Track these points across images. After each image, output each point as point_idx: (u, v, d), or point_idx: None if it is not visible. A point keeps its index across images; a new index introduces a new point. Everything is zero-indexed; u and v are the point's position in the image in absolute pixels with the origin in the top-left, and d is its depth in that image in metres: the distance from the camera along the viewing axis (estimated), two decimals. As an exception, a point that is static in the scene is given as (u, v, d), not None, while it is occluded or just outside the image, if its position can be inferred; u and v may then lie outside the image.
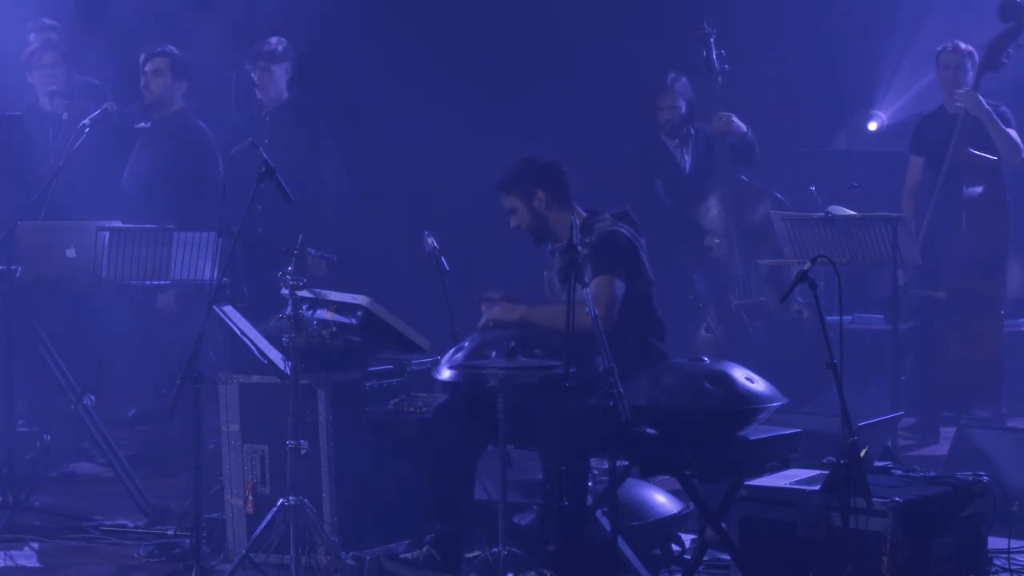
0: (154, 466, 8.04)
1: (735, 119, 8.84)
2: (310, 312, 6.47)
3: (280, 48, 8.75)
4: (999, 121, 8.54)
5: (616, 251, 6.28)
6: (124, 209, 8.13)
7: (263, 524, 6.09)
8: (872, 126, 10.59)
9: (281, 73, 8.77)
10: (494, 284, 6.57)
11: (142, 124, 8.61)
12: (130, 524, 7.22)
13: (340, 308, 6.53)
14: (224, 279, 6.64)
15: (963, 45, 8.65)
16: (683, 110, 8.97)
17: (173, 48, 8.62)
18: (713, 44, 8.91)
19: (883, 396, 7.95)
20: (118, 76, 9.07)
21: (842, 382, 5.61)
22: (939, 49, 8.76)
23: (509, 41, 9.80)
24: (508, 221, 6.52)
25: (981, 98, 8.53)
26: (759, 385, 5.95)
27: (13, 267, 7.49)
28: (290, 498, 6.02)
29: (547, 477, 6.13)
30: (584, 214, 6.42)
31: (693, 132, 9.01)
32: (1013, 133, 8.58)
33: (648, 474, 6.39)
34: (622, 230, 6.34)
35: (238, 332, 6.34)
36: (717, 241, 8.86)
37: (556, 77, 9.77)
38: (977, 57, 8.63)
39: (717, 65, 8.91)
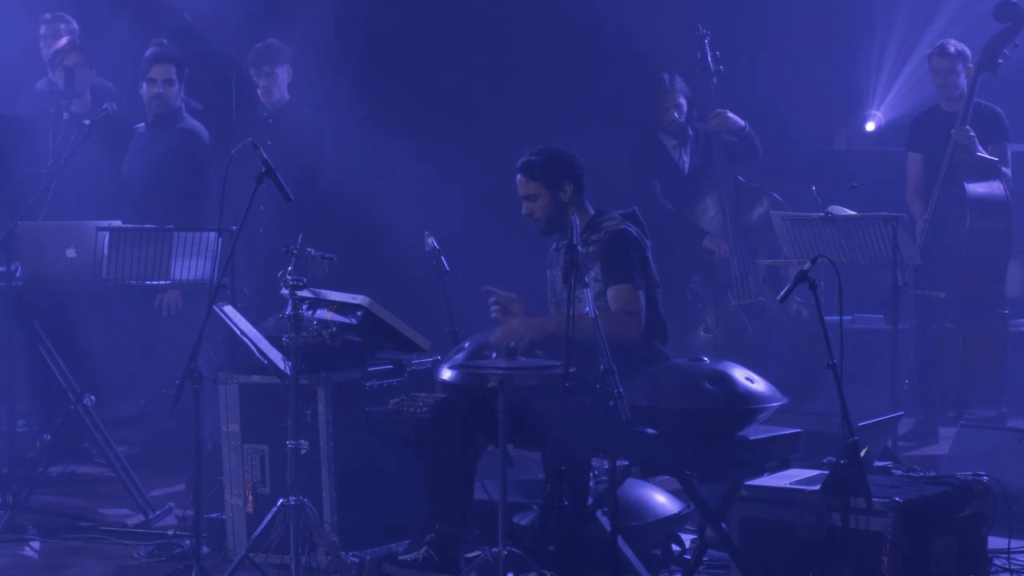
0: (154, 466, 8.04)
1: (730, 114, 8.83)
2: (310, 312, 6.47)
3: (282, 50, 8.78)
4: (985, 155, 8.54)
5: (629, 253, 6.25)
6: (123, 209, 8.14)
7: (263, 524, 6.09)
8: (870, 126, 10.60)
9: (284, 75, 8.80)
10: (495, 284, 6.56)
11: (140, 125, 8.60)
12: (130, 524, 7.22)
13: (340, 308, 6.53)
14: (224, 279, 6.64)
15: (951, 47, 8.63)
16: (686, 109, 8.96)
17: (174, 49, 8.62)
18: (708, 45, 8.91)
19: (883, 396, 7.95)
20: (114, 74, 9.05)
21: (842, 382, 5.62)
22: (929, 52, 8.77)
23: (507, 41, 9.79)
24: (503, 221, 6.50)
25: (980, 150, 8.52)
26: (759, 385, 5.95)
27: (13, 267, 7.49)
28: (290, 498, 6.02)
29: (548, 477, 6.13)
30: (592, 212, 6.42)
31: (691, 132, 9.01)
32: (1006, 171, 8.60)
33: (648, 474, 6.39)
34: (630, 229, 6.34)
35: (238, 332, 6.34)
36: (717, 239, 8.86)
37: (555, 77, 9.77)
38: (969, 55, 8.62)
39: (712, 66, 8.91)
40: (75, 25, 9.17)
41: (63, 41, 8.94)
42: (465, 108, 9.72)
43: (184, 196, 8.25)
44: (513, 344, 5.76)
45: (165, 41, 8.77)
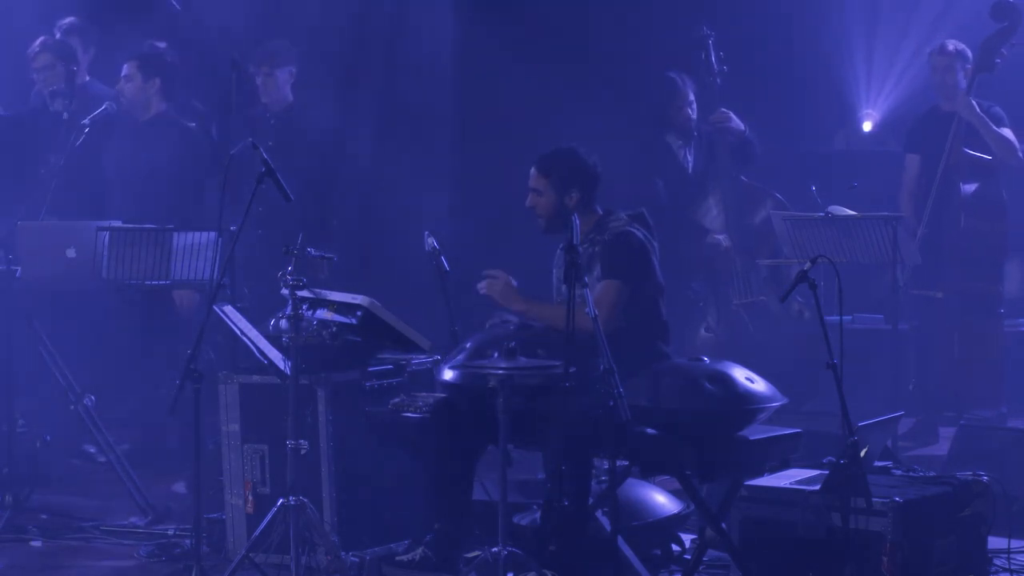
0: (154, 466, 8.04)
1: (733, 116, 8.83)
2: (310, 312, 6.47)
3: (282, 52, 8.76)
4: (992, 124, 8.54)
5: (628, 253, 6.27)
6: (123, 209, 8.14)
7: (263, 524, 6.09)
8: (867, 126, 10.60)
9: (284, 77, 8.78)
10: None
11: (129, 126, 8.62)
12: (130, 524, 7.22)
13: (340, 308, 6.53)
14: (224, 279, 6.64)
15: (951, 46, 8.64)
16: (696, 106, 8.97)
17: (145, 48, 8.60)
18: (712, 46, 8.91)
19: (883, 396, 7.95)
20: (115, 75, 9.05)
21: (842, 382, 5.62)
22: (929, 51, 8.78)
23: (508, 41, 9.78)
24: (502, 219, 6.50)
25: (974, 103, 8.52)
26: (759, 385, 5.95)
27: (13, 267, 7.49)
28: (290, 498, 6.02)
29: (548, 477, 6.13)
30: (600, 212, 6.42)
31: (696, 133, 9.01)
32: (1007, 133, 8.58)
33: (648, 474, 6.39)
34: (636, 231, 6.34)
35: (238, 332, 6.34)
36: (720, 237, 8.85)
37: (557, 77, 9.76)
38: (969, 55, 8.62)
39: (716, 67, 8.91)
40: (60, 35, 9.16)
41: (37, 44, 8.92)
42: (467, 107, 9.71)
43: (176, 195, 8.25)
44: (513, 344, 5.75)
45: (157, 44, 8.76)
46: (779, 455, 6.01)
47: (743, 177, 8.92)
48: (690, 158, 9.01)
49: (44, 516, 7.28)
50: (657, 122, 9.02)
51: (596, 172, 6.41)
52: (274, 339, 6.33)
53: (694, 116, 8.92)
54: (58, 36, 9.10)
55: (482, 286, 6.42)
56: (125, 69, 8.55)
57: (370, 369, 6.63)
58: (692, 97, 8.92)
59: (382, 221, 9.51)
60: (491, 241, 9.07)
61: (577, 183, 6.36)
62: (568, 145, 6.46)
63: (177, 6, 9.32)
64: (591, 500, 6.12)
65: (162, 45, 8.78)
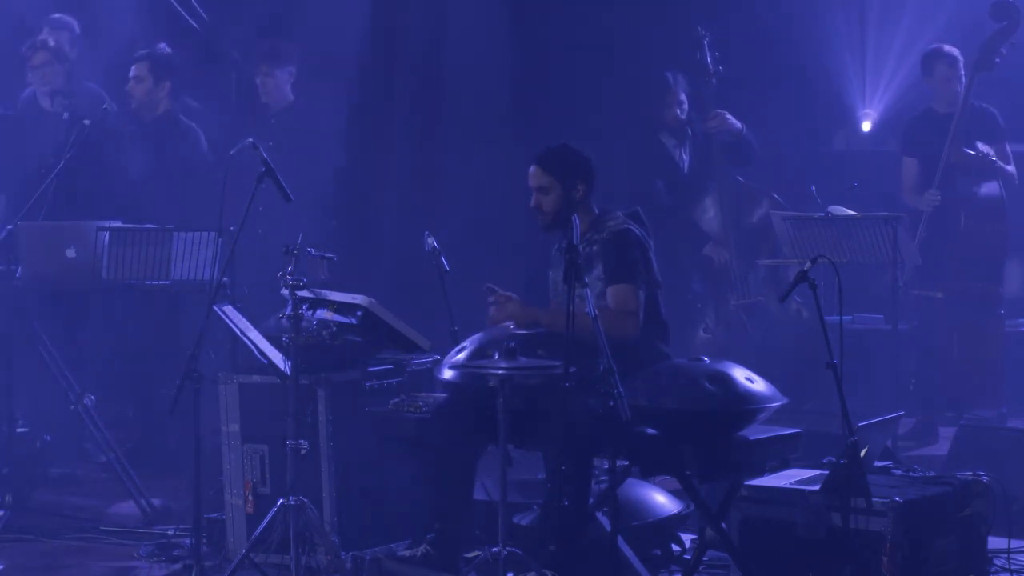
0: (154, 466, 8.04)
1: (729, 116, 8.82)
2: (310, 312, 6.47)
3: (282, 51, 8.75)
4: (992, 161, 8.55)
5: (632, 253, 6.26)
6: (123, 209, 8.14)
7: (263, 524, 6.09)
8: (866, 126, 10.60)
9: (284, 76, 8.77)
10: (495, 284, 6.56)
11: (134, 127, 8.61)
12: (130, 524, 7.22)
13: (340, 308, 6.52)
14: (224, 279, 6.64)
15: (955, 52, 8.66)
16: (687, 106, 8.97)
17: (156, 50, 8.60)
18: (707, 46, 8.91)
19: (883, 396, 7.95)
20: (116, 77, 9.05)
21: (842, 382, 5.62)
22: (926, 55, 8.77)
23: (507, 40, 9.79)
24: (503, 223, 6.50)
25: (977, 153, 8.53)
26: (759, 385, 5.95)
27: (13, 267, 7.49)
28: (290, 498, 6.02)
29: (548, 477, 6.12)
30: (596, 211, 6.42)
31: (690, 132, 9.01)
32: (1010, 169, 8.62)
33: (648, 474, 6.39)
34: (633, 229, 6.34)
35: (238, 332, 6.33)
36: (718, 238, 8.85)
37: (554, 78, 9.76)
38: (961, 58, 8.65)
39: (711, 67, 8.91)
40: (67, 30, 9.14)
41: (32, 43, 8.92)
42: (465, 108, 9.71)
43: (177, 195, 8.25)
44: (513, 344, 5.76)
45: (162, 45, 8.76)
46: (779, 455, 6.01)
47: (739, 177, 8.92)
48: (685, 157, 9.01)
49: (44, 516, 7.28)
50: (650, 121, 9.03)
51: (593, 164, 6.42)
52: (274, 339, 6.33)
53: (683, 116, 8.92)
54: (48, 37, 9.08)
55: (495, 317, 6.39)
56: (134, 71, 8.52)
57: (370, 369, 6.63)
58: (683, 97, 8.92)
59: (382, 220, 9.51)
60: (492, 241, 9.08)
61: (582, 176, 6.35)
62: (561, 142, 6.45)
63: (197, 26, 9.30)
64: (591, 500, 6.12)
65: (161, 45, 8.77)
